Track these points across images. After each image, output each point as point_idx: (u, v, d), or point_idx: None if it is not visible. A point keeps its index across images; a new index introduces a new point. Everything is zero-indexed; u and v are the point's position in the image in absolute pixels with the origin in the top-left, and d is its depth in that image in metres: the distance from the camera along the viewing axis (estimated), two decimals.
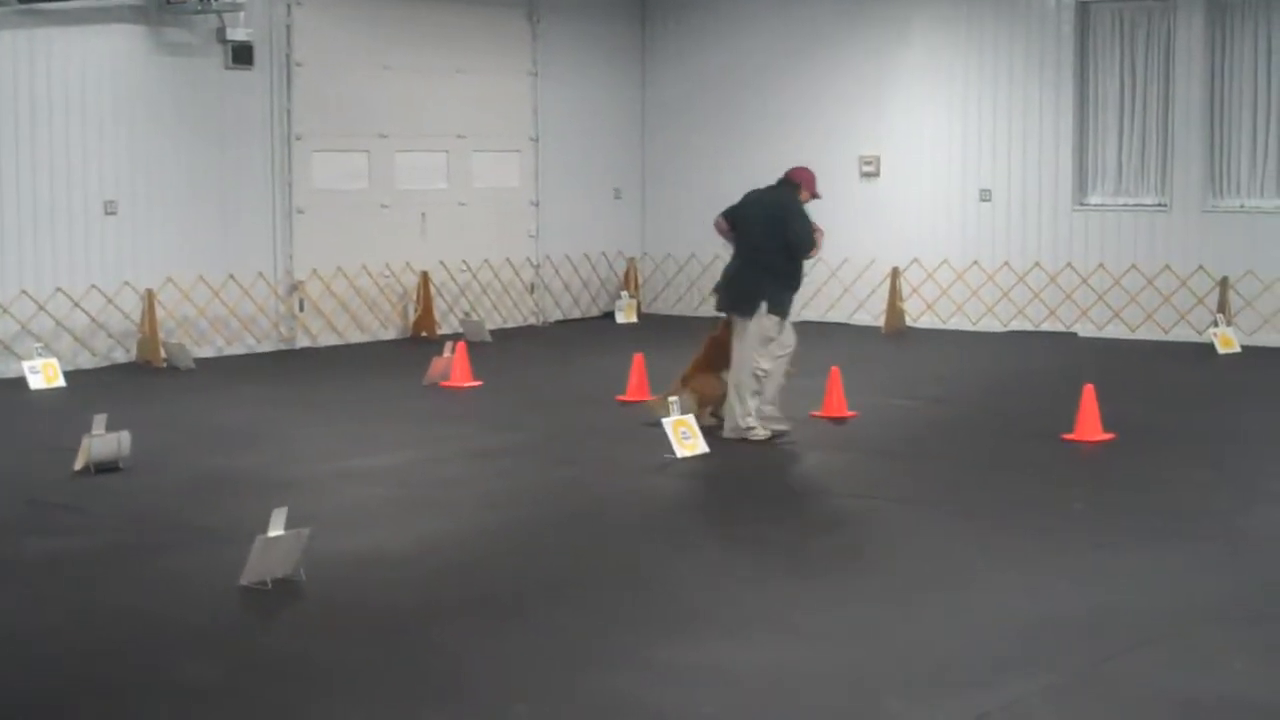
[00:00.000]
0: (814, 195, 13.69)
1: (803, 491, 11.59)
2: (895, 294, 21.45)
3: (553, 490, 11.71)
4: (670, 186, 23.67)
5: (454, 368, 16.34)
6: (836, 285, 22.41)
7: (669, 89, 23.64)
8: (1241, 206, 19.93)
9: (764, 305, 13.18)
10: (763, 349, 13.20)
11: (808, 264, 13.83)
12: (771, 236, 13.29)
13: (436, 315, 20.70)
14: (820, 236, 13.49)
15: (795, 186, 13.59)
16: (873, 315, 21.91)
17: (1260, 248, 19.60)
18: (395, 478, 12.02)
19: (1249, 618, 8.29)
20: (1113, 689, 7.18)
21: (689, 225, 23.44)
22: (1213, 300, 19.77)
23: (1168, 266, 20.18)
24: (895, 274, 21.49)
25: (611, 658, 7.69)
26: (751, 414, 13.18)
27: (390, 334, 20.54)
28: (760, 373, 13.17)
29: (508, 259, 21.99)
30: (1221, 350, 18.80)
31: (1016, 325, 21.17)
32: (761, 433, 13.16)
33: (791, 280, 13.47)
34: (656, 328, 21.74)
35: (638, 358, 15.48)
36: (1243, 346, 18.95)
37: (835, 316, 22.35)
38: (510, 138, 22.06)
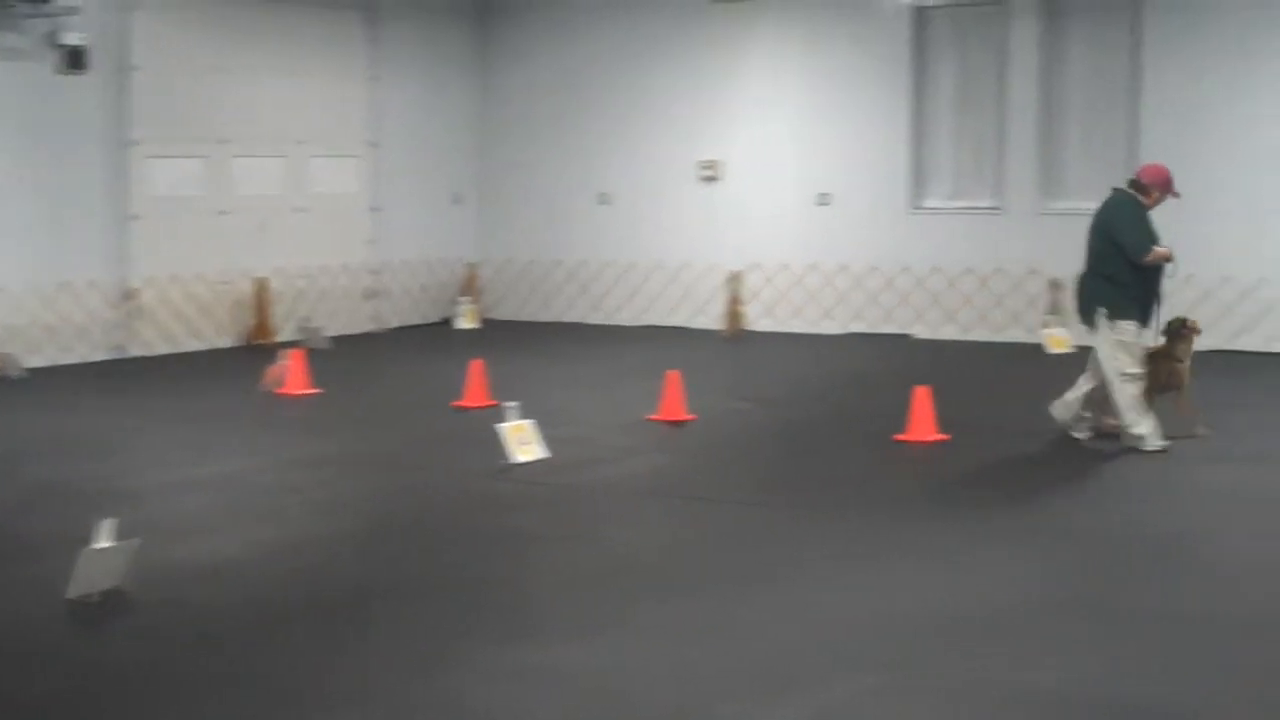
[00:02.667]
0: (1169, 194, 13.29)
1: (641, 493, 11.61)
2: (735, 297, 21.59)
3: (389, 496, 11.64)
4: (510, 191, 23.63)
5: (291, 375, 16.20)
6: (676, 289, 22.52)
7: (509, 93, 23.60)
8: (1073, 209, 20.26)
9: (1103, 312, 13.04)
10: (1125, 355, 12.99)
11: (1167, 270, 13.22)
12: (1102, 242, 13.13)
13: (274, 322, 20.52)
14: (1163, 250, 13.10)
15: (1142, 187, 13.22)
16: (712, 319, 22.04)
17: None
18: (229, 486, 11.87)
19: (1080, 612, 8.44)
20: (945, 684, 7.27)
21: (529, 230, 23.49)
22: (1044, 301, 20.12)
23: (1001, 268, 20.51)
24: (735, 277, 21.63)
25: (447, 661, 7.67)
26: (1137, 423, 12.95)
27: (227, 341, 20.31)
28: (1126, 378, 12.98)
29: (345, 265, 21.84)
30: (1053, 350, 19.15)
31: (854, 328, 21.40)
32: (1155, 442, 12.92)
33: (1132, 288, 13.05)
34: (497, 334, 21.70)
35: (476, 364, 15.43)
36: (1074, 346, 19.28)
37: (675, 320, 22.46)
38: (348, 142, 21.91)
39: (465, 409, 15.06)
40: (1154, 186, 13.20)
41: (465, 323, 22.63)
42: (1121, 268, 13.01)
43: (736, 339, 21.16)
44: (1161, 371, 13.42)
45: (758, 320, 21.87)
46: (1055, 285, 19.90)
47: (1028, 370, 18.03)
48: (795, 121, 21.74)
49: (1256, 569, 9.39)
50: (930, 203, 21.18)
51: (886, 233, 21.26)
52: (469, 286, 23.41)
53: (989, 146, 20.81)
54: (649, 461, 12.84)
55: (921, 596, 8.76)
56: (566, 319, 23.24)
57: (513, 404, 12.89)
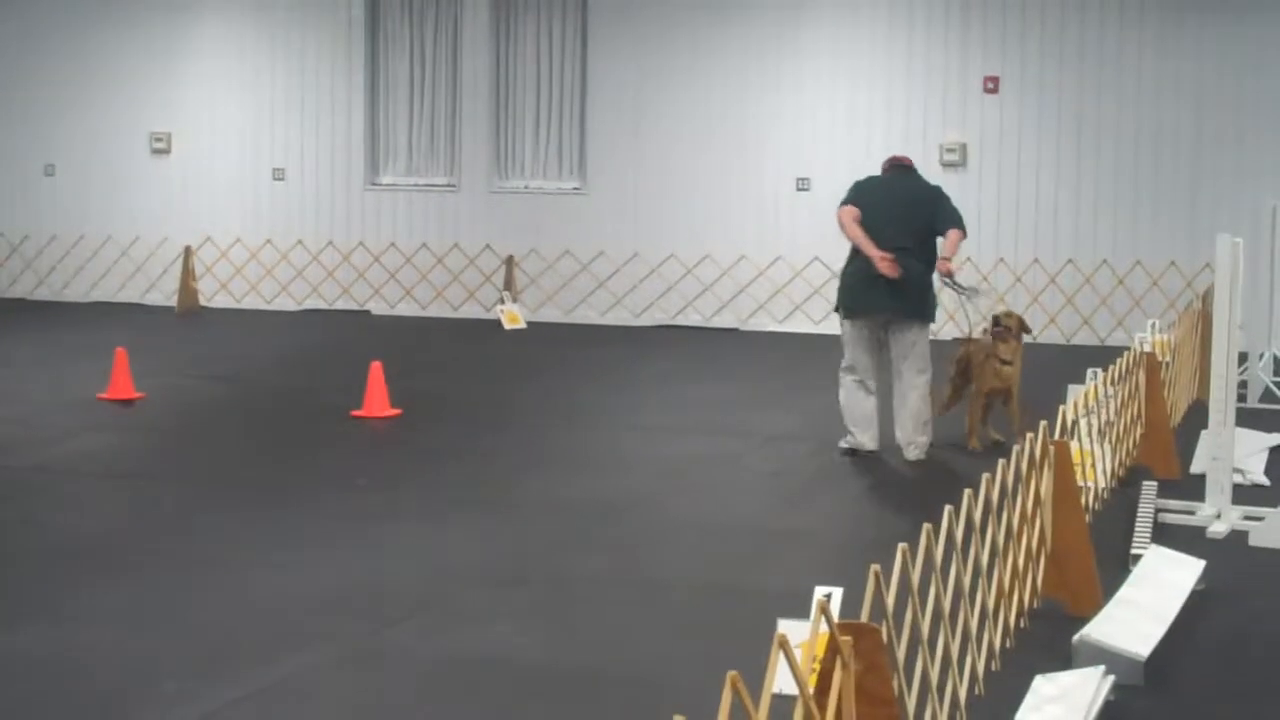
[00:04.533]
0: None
1: (85, 474, 11.26)
2: (188, 273, 21.17)
3: None
4: None
5: None
6: (128, 264, 21.93)
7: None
8: (526, 187, 20.71)
9: (931, 305, 11.94)
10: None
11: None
12: (925, 226, 11.82)
13: None
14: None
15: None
16: (165, 295, 21.56)
17: (543, 227, 20.45)
18: None
19: (516, 581, 8.64)
20: (387, 656, 7.34)
21: None
22: (499, 278, 20.48)
23: (457, 245, 20.77)
24: (188, 252, 21.21)
25: None
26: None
27: None
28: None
29: None
30: (508, 326, 19.53)
31: (311, 304, 21.30)
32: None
33: None
34: None
35: None
36: (527, 322, 19.76)
37: (127, 296, 21.90)
38: None
39: None
40: None
41: None
42: (931, 257, 11.89)
43: (190, 315, 20.75)
44: (988, 373, 12.14)
45: (213, 297, 21.51)
46: (510, 262, 20.30)
47: (483, 346, 18.31)
48: (249, 95, 21.47)
49: (700, 532, 9.80)
50: (386, 179, 21.25)
51: (342, 208, 21.24)
52: None
53: (443, 125, 21.03)
54: (94, 441, 12.47)
55: (369, 569, 8.80)
56: (10, 295, 22.34)
57: None
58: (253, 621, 7.86)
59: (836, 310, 12.05)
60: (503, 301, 20.03)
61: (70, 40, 22.05)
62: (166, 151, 21.76)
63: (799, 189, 19.42)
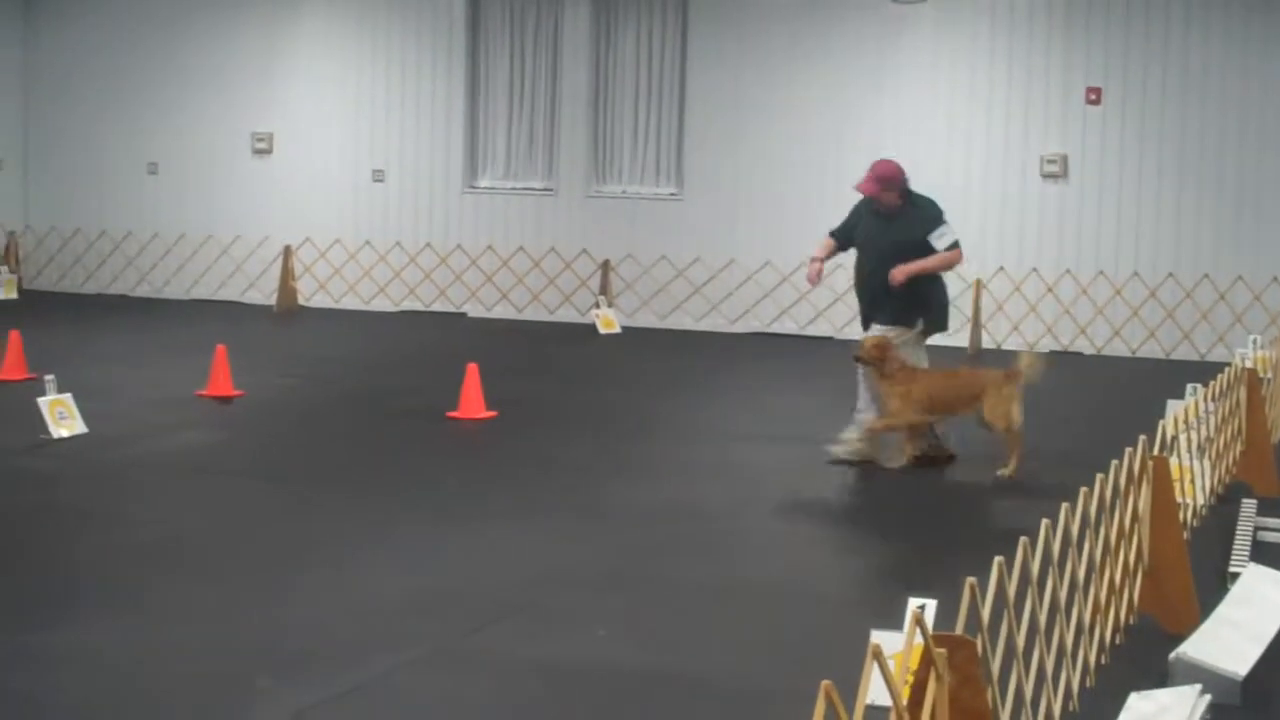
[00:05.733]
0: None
1: (183, 470, 11.38)
2: (288, 272, 21.34)
3: None
4: (56, 157, 22.84)
5: None
6: (228, 262, 22.15)
7: (55, 55, 22.80)
8: (623, 192, 20.74)
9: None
10: None
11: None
12: (919, 246, 12.05)
13: None
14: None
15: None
16: (264, 294, 21.76)
17: (640, 232, 20.47)
18: None
19: (609, 586, 8.64)
20: (478, 658, 7.36)
21: (75, 198, 22.75)
22: (595, 282, 20.52)
23: (553, 249, 20.82)
24: (287, 252, 21.39)
25: None
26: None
27: None
28: None
29: None
30: (603, 330, 19.57)
31: (408, 305, 21.42)
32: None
33: None
34: (37, 305, 20.95)
35: (14, 335, 14.87)
36: (623, 327, 19.79)
37: (226, 294, 22.11)
38: None
39: (2, 382, 14.49)
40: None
41: (4, 293, 21.76)
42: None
43: (289, 315, 20.92)
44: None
45: (311, 296, 21.68)
46: (606, 266, 20.34)
47: (578, 350, 18.35)
48: (350, 97, 21.62)
49: (789, 540, 9.77)
50: (484, 183, 21.34)
51: (440, 211, 21.35)
52: (9, 255, 22.53)
53: (542, 129, 21.09)
54: (192, 438, 12.59)
55: (461, 571, 8.83)
56: (112, 291, 22.61)
57: (51, 377, 12.48)
58: (344, 621, 7.90)
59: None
60: (598, 306, 20.06)
61: (174, 40, 22.27)
62: (268, 151, 21.95)
63: None
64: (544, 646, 7.58)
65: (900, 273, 11.83)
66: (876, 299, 12.08)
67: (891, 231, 12.08)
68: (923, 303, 12.08)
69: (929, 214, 12.16)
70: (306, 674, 7.09)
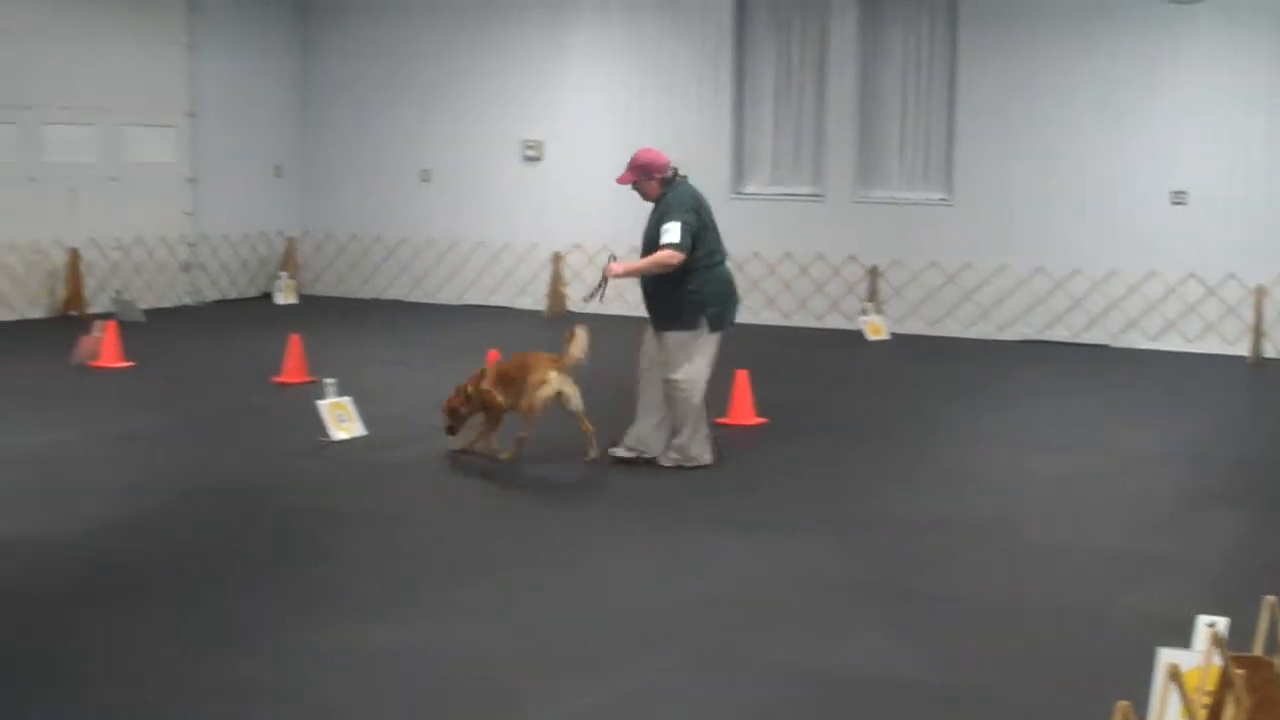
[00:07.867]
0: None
1: (459, 472, 11.55)
2: (557, 278, 21.56)
3: (203, 473, 11.47)
4: (332, 164, 23.39)
5: (104, 348, 15.90)
6: (498, 269, 22.46)
7: (332, 64, 23.35)
8: (891, 198, 20.55)
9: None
10: None
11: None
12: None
13: (87, 294, 20.12)
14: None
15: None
16: (534, 299, 22.01)
17: (907, 238, 20.26)
18: (40, 460, 11.63)
19: (878, 596, 8.55)
20: (748, 664, 7.33)
21: (351, 205, 23.26)
22: (863, 288, 20.37)
23: (821, 255, 20.72)
24: (557, 258, 21.61)
25: (248, 640, 7.58)
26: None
27: (38, 313, 19.87)
28: None
29: (162, 237, 21.47)
30: (871, 337, 19.41)
31: None
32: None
33: None
34: (316, 309, 21.48)
35: (294, 339, 15.26)
36: (891, 334, 19.60)
37: (497, 300, 22.40)
38: (164, 112, 21.49)
39: (283, 385, 14.88)
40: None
41: (284, 298, 22.37)
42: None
43: (558, 320, 21.12)
44: None
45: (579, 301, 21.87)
46: (874, 273, 20.17)
47: (846, 357, 18.23)
48: (618, 104, 21.74)
49: (1067, 554, 9.57)
50: (750, 189, 21.31)
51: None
52: (288, 261, 23.14)
53: (808, 134, 20.99)
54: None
55: (729, 576, 8.81)
56: (387, 296, 23.08)
57: (331, 381, 12.77)
58: (609, 624, 7.94)
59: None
60: (866, 312, 19.90)
61: (448, 49, 22.65)
62: (539, 159, 22.20)
63: (1174, 202, 18.82)
64: (809, 654, 7.52)
65: (610, 269, 11.73)
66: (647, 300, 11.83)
67: (650, 223, 11.78)
68: (666, 304, 11.63)
69: (668, 207, 11.68)
70: (571, 677, 7.12)
